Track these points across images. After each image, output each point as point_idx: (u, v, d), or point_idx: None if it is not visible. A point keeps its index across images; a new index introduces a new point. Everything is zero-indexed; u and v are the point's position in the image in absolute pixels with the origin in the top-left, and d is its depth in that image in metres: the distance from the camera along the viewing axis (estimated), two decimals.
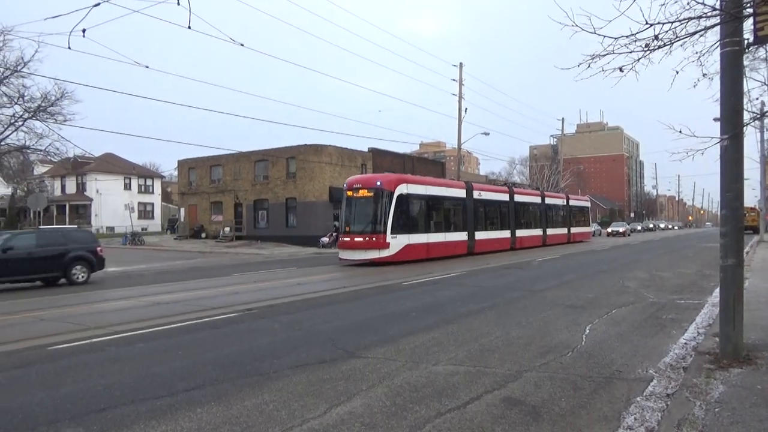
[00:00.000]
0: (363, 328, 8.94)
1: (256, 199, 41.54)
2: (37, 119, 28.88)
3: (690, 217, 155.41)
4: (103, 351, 7.64)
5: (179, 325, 9.54)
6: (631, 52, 5.26)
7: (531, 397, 5.36)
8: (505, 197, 31.89)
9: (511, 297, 12.31)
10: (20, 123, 28.50)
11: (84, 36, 15.42)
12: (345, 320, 9.92)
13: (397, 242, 21.76)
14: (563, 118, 61.20)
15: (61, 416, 4.94)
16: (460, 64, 38.85)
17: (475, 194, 28.22)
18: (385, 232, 21.47)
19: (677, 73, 5.59)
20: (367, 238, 21.56)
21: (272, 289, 14.56)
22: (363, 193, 22.15)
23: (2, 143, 29.85)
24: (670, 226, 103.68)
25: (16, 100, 28.43)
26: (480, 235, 28.01)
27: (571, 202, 42.81)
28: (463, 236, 26.61)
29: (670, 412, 4.81)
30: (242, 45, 19.77)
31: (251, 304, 11.64)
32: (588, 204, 47.82)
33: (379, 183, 22.15)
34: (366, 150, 43.50)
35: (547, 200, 38.10)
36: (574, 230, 42.44)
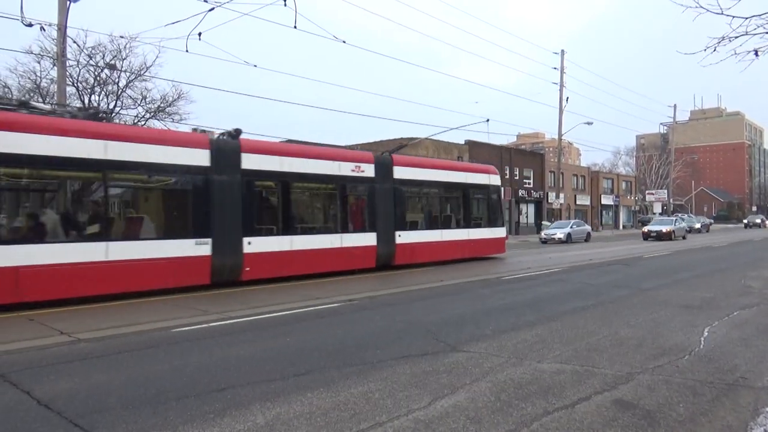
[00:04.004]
0: (463, 322, 8.92)
1: None
2: (157, 119, 31.46)
3: None
4: (220, 335, 8.21)
5: (286, 313, 10.03)
6: (767, 33, 4.82)
7: (645, 400, 5.11)
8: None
9: (618, 295, 11.74)
10: (143, 123, 31.06)
11: (200, 39, 16.55)
12: (445, 313, 9.95)
13: None
14: (675, 105, 57.36)
15: (188, 392, 5.39)
16: (562, 51, 37.56)
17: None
18: None
19: None
20: None
21: (369, 280, 14.87)
22: None
23: None
24: None
25: (139, 102, 31.09)
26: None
27: (420, 173, 18.85)
28: None
29: None
30: (344, 42, 20.25)
31: (352, 296, 11.98)
32: (489, 182, 21.81)
33: None
34: (463, 142, 43.14)
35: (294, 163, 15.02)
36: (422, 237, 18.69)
